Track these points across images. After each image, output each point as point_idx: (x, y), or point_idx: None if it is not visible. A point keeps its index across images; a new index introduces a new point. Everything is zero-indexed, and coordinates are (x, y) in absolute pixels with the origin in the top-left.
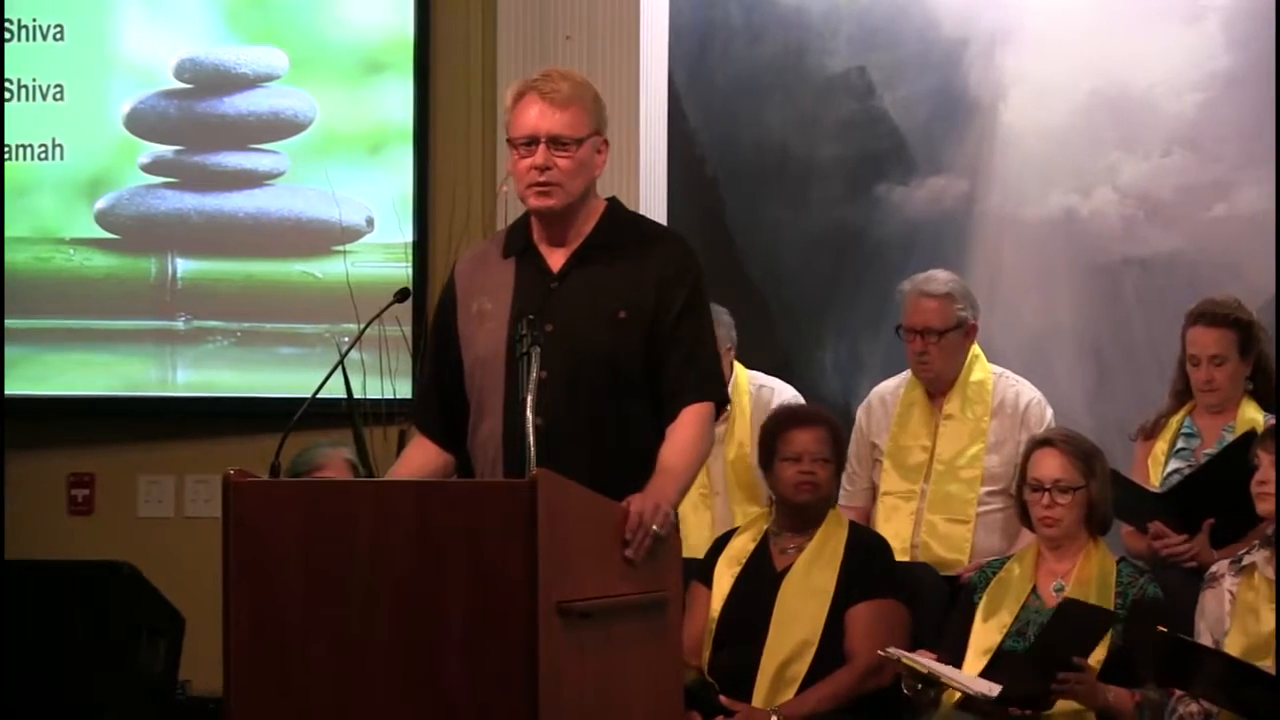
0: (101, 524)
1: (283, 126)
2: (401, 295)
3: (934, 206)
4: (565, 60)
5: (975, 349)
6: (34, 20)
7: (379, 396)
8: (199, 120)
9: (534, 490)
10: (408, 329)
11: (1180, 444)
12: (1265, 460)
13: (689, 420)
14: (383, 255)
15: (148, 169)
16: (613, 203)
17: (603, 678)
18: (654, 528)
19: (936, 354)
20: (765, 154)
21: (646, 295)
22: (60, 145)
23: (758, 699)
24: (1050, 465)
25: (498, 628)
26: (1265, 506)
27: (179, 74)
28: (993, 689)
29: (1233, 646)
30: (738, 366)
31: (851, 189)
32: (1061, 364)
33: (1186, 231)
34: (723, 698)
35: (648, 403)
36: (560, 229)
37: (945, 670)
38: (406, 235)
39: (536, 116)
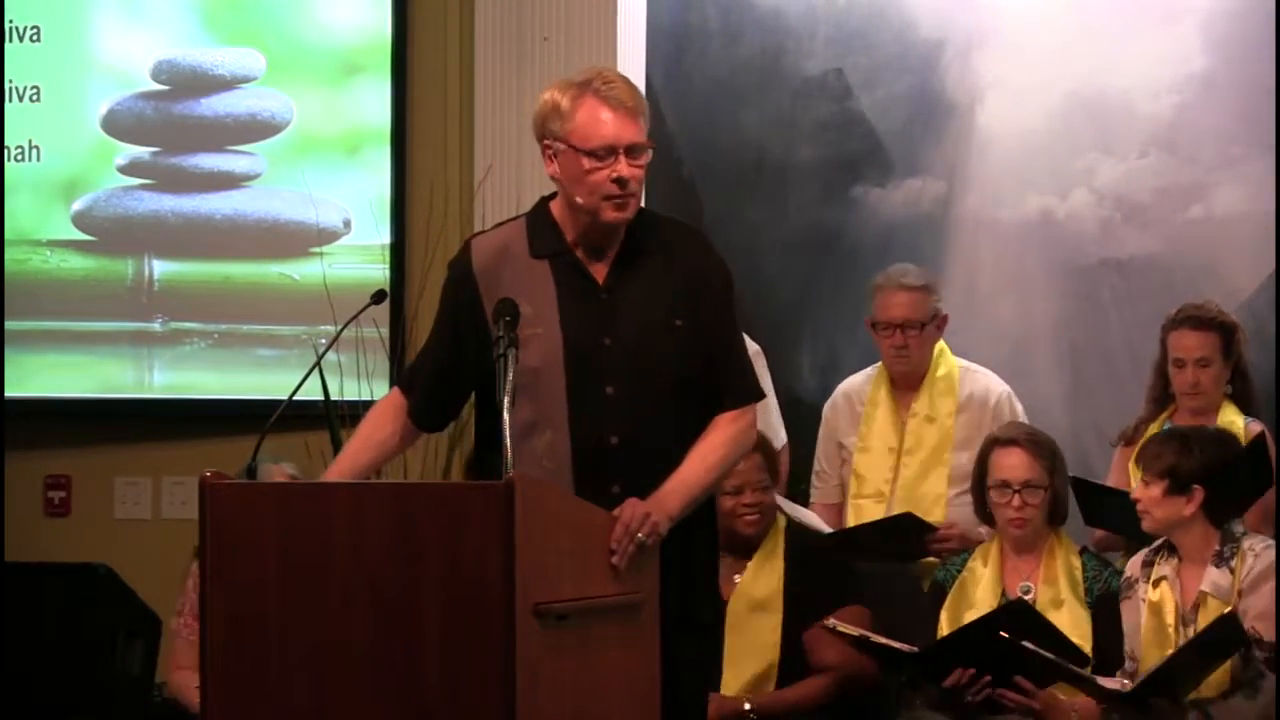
0: (78, 526)
1: (260, 128)
2: (379, 297)
3: (911, 208)
4: (542, 61)
5: (940, 342)
6: (10, 21)
7: (356, 398)
8: (176, 122)
9: (511, 492)
10: (385, 330)
11: None
12: (1141, 485)
13: (723, 425)
14: (360, 257)
15: (125, 170)
16: (642, 207)
17: (580, 679)
18: (640, 536)
19: (915, 347)
20: (742, 155)
21: (694, 301)
22: (37, 147)
23: None
24: (1017, 465)
25: (475, 629)
26: (1145, 524)
27: (156, 75)
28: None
29: (1147, 657)
30: None
31: (828, 191)
32: (1038, 366)
33: (1163, 233)
34: None
35: (701, 403)
36: (608, 237)
37: (874, 636)
38: (384, 237)
39: (614, 125)
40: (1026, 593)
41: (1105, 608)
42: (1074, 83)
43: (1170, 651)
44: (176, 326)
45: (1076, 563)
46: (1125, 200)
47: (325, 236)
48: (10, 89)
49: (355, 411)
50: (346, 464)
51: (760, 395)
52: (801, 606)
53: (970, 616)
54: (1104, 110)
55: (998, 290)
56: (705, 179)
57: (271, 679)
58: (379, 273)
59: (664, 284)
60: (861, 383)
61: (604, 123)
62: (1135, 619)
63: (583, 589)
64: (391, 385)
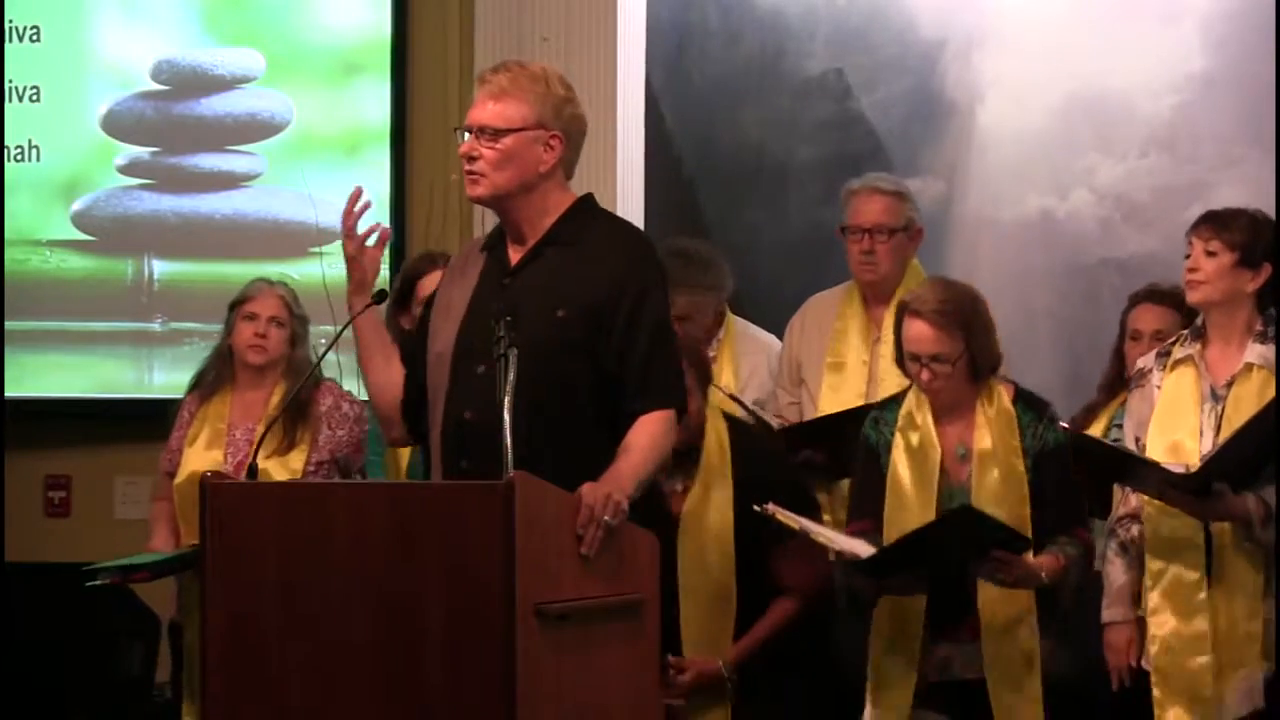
0: (78, 526)
1: (260, 128)
2: (379, 297)
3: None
4: (542, 62)
5: (915, 261)
6: (10, 21)
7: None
8: (176, 122)
9: (511, 492)
10: None
11: (1114, 435)
12: (1198, 247)
13: (645, 425)
14: None
15: (124, 170)
16: (581, 200)
17: (580, 679)
18: (605, 518)
19: (884, 254)
20: (742, 155)
21: (596, 294)
22: (37, 147)
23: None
24: (922, 339)
25: (476, 630)
26: (1195, 295)
27: (156, 75)
28: (864, 549)
29: (1154, 441)
30: None
31: (829, 191)
32: (1038, 365)
33: (1163, 233)
34: (669, 656)
35: (598, 404)
36: (515, 224)
37: (815, 527)
38: None
39: (474, 106)
40: (963, 455)
41: (1048, 465)
42: (1074, 83)
43: (1188, 433)
44: (176, 326)
45: (1010, 415)
46: (1125, 200)
47: (325, 236)
48: (10, 89)
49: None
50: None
51: (678, 404)
52: (761, 532)
53: (925, 496)
54: (1104, 110)
55: (998, 289)
56: (705, 179)
57: (272, 678)
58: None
59: (571, 275)
60: (832, 298)
61: (473, 104)
62: (1147, 408)
63: (582, 589)
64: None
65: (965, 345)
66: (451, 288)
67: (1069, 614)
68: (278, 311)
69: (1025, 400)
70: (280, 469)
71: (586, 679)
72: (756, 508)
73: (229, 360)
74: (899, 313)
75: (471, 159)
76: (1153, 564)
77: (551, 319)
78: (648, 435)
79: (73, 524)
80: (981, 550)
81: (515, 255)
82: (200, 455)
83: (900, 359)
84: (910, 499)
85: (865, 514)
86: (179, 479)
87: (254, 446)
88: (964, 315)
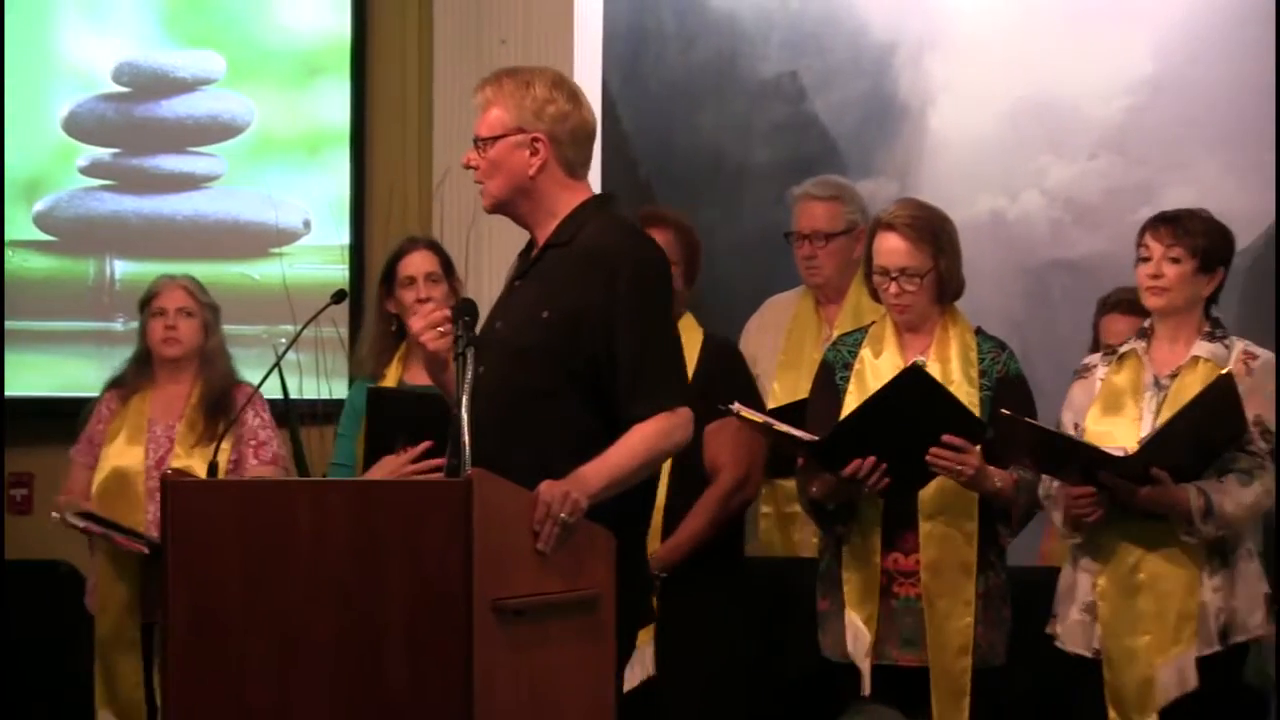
0: (40, 523)
1: (220, 129)
2: (338, 297)
3: (868, 208)
4: (500, 65)
5: None
6: None
7: (315, 397)
8: (137, 123)
9: (469, 490)
10: (344, 330)
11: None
12: (1158, 251)
13: (635, 431)
14: (320, 257)
15: (86, 171)
16: (589, 201)
17: (536, 674)
18: (562, 516)
19: (825, 259)
20: (698, 158)
21: (582, 296)
22: None
23: None
24: (894, 251)
25: (435, 625)
26: (1159, 301)
27: (117, 77)
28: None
29: (1092, 424)
30: None
31: (784, 192)
32: None
33: (1112, 234)
34: None
35: (583, 405)
36: (529, 228)
37: (777, 423)
38: (343, 238)
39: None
40: (922, 365)
41: (1006, 391)
42: (1024, 86)
43: (1127, 419)
44: (138, 326)
45: (970, 341)
46: (1075, 201)
47: (285, 237)
48: None
49: (315, 410)
50: None
51: (676, 400)
52: (709, 409)
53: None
54: (1054, 113)
55: None
56: (662, 181)
57: (233, 674)
58: (339, 273)
59: (564, 277)
60: (788, 301)
61: None
62: (1087, 398)
63: (540, 585)
64: (350, 384)
65: (934, 263)
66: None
67: (1016, 528)
68: (184, 302)
69: (984, 335)
70: (201, 463)
71: (543, 674)
72: (721, 406)
73: (147, 360)
74: (872, 229)
75: (474, 172)
76: (1096, 550)
77: (537, 320)
78: (635, 438)
79: (35, 521)
80: (933, 429)
81: (534, 257)
82: (121, 450)
83: (869, 275)
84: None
85: (821, 433)
86: (101, 475)
87: (216, 444)
88: (935, 232)
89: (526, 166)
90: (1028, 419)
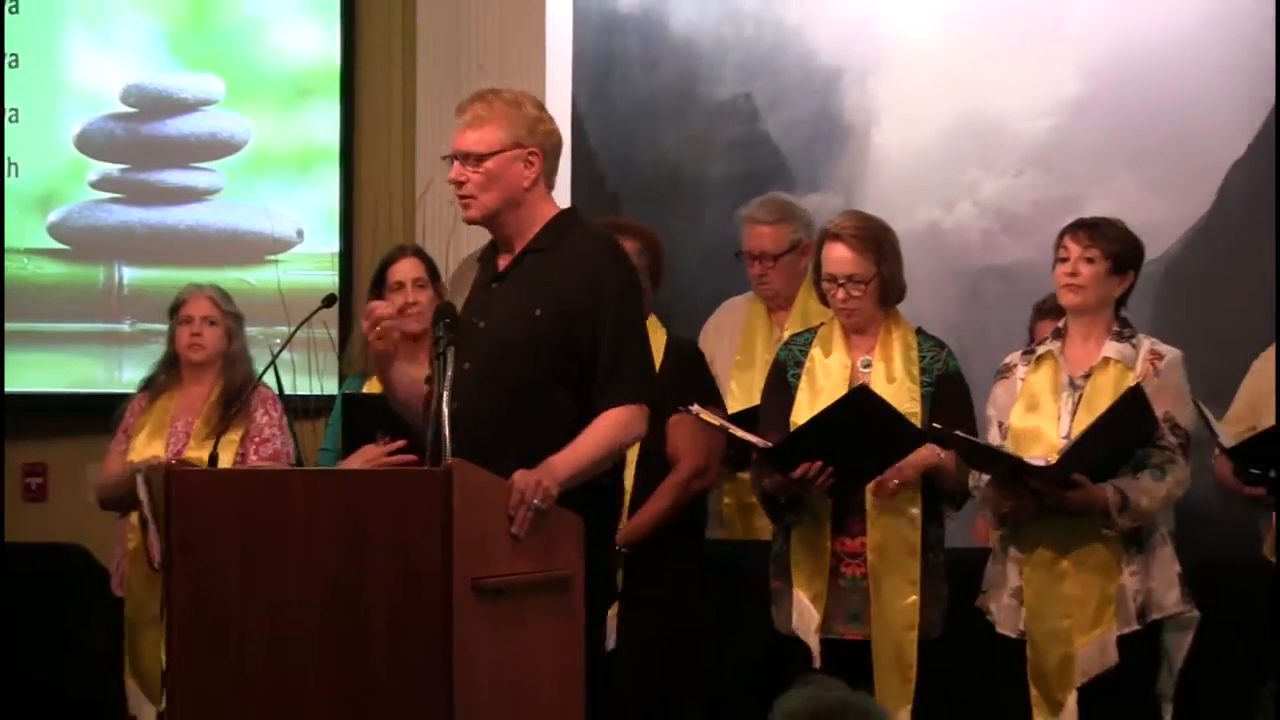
0: (54, 509)
1: (220, 147)
2: (329, 300)
3: (813, 221)
4: (478, 87)
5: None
6: None
7: (308, 393)
8: (143, 141)
9: (449, 478)
10: (334, 331)
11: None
12: (1075, 251)
13: (603, 419)
14: (312, 264)
15: (96, 185)
16: (565, 212)
17: (513, 648)
18: (535, 502)
19: (773, 276)
20: (661, 173)
21: (571, 296)
22: (15, 164)
23: None
24: (841, 259)
25: (418, 603)
26: (1074, 299)
27: (125, 98)
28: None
29: (1016, 424)
30: None
31: (739, 204)
32: None
33: (1040, 243)
34: None
35: (570, 398)
36: (507, 237)
37: (734, 428)
38: (333, 246)
39: (455, 135)
40: (866, 366)
41: (946, 388)
42: (959, 106)
43: (1047, 417)
44: (144, 327)
45: (912, 341)
46: (1005, 212)
47: (280, 245)
48: None
49: (306, 405)
50: None
51: (643, 399)
52: (671, 404)
53: (824, 396)
54: (986, 131)
55: None
56: (627, 194)
57: (231, 653)
58: (329, 278)
59: (548, 279)
60: (741, 304)
61: (454, 134)
62: (1010, 398)
63: (515, 566)
64: (340, 382)
65: (878, 270)
66: (454, 297)
67: (956, 504)
68: (209, 311)
69: (924, 335)
70: (207, 454)
71: (518, 648)
72: (681, 408)
73: (175, 363)
74: (820, 239)
75: (460, 185)
76: (1021, 540)
77: (529, 318)
78: (600, 429)
79: (49, 508)
80: (876, 438)
81: (503, 263)
82: (145, 444)
83: (818, 281)
84: (822, 402)
85: (774, 428)
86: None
87: (216, 437)
88: (878, 241)
89: (522, 179)
90: (958, 432)
